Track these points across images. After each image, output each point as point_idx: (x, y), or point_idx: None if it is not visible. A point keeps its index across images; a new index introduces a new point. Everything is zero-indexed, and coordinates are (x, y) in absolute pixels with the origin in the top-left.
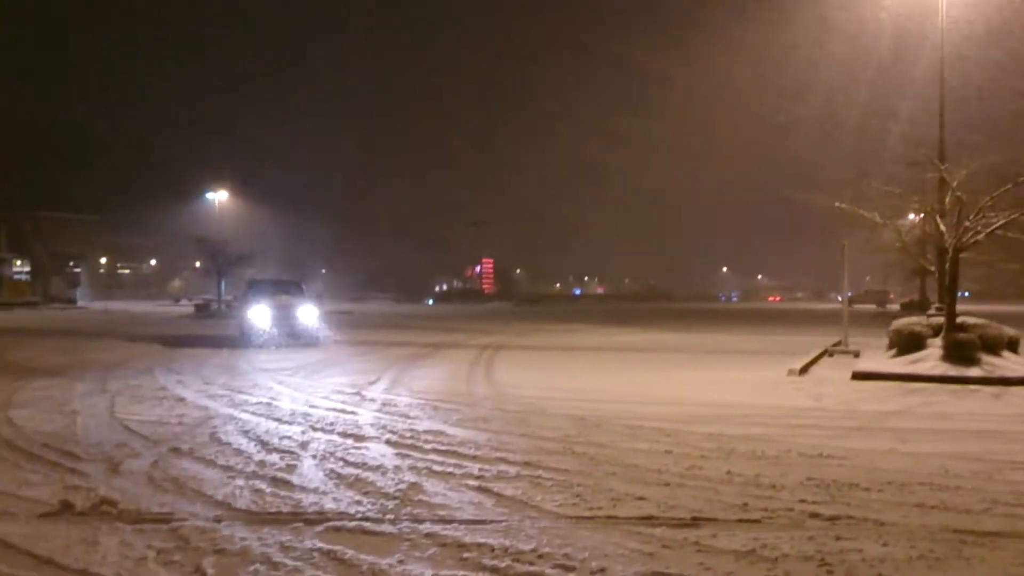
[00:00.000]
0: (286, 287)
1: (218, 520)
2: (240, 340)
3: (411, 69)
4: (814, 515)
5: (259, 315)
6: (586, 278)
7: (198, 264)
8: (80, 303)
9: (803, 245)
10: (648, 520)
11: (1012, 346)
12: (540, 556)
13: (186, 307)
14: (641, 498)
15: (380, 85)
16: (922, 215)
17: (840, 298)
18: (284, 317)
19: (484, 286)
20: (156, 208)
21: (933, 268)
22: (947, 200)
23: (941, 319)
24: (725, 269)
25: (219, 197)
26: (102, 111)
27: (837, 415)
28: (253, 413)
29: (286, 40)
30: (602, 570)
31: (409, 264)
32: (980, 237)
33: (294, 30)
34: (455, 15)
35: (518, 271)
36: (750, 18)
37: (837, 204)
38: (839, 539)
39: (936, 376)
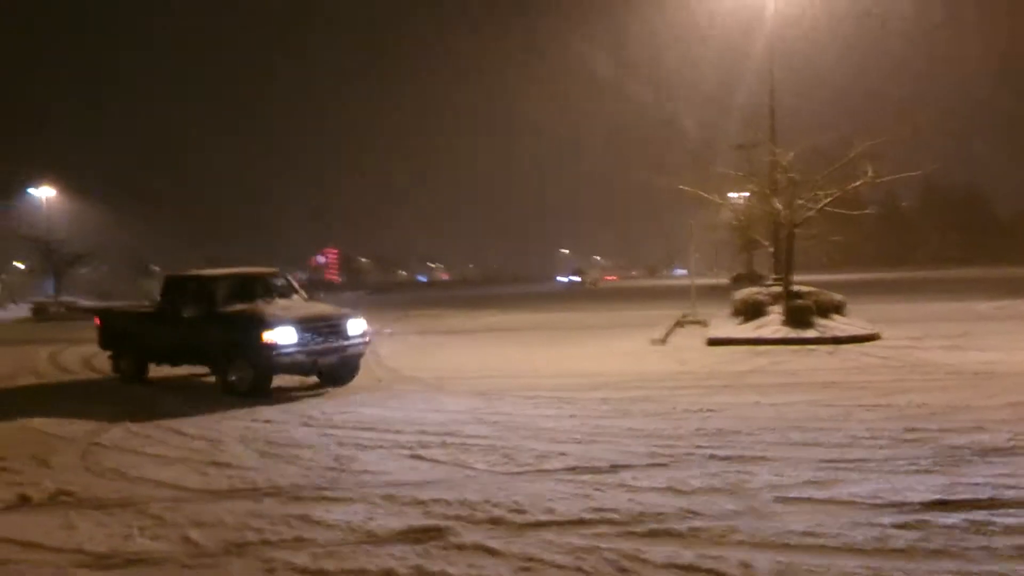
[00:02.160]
0: (272, 285)
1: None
2: (230, 383)
3: (237, 49)
4: (712, 456)
5: (284, 337)
6: (430, 264)
7: (20, 265)
8: None
9: (637, 225)
10: (573, 470)
11: (839, 310)
12: (494, 504)
13: (16, 311)
14: (562, 454)
15: (210, 69)
16: (748, 195)
17: (681, 272)
18: (329, 338)
19: (330, 276)
20: None
21: (766, 243)
22: (779, 180)
23: (779, 288)
24: (566, 251)
25: (45, 194)
26: None
27: (703, 376)
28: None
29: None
30: (551, 511)
31: (246, 257)
32: (812, 213)
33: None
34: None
35: (364, 260)
36: (600, 7)
37: (681, 187)
38: (739, 473)
39: (779, 339)
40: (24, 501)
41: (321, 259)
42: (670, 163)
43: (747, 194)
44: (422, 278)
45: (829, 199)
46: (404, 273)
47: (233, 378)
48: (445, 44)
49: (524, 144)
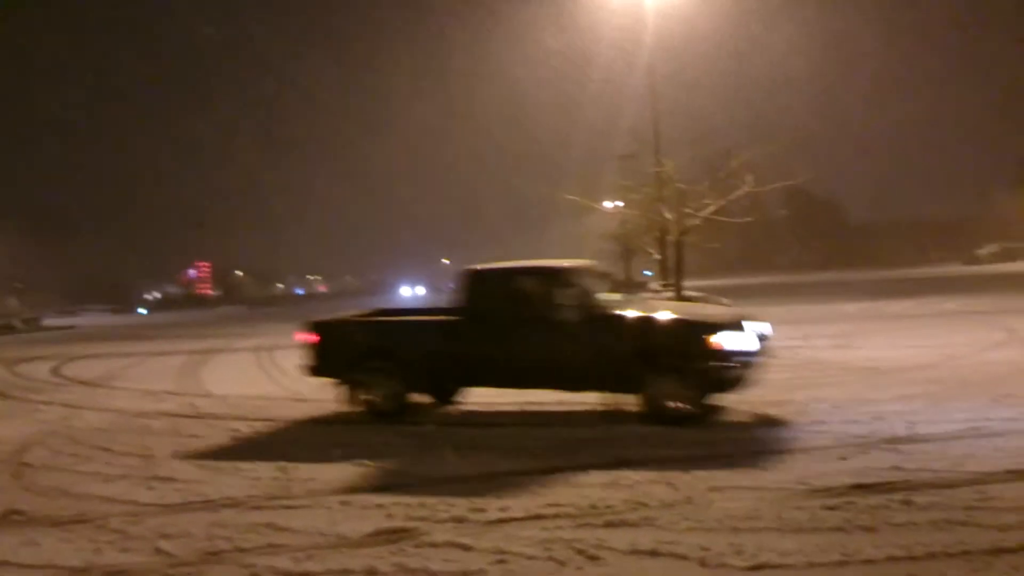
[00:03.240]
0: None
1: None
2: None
3: (112, 56)
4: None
5: (735, 342)
6: (309, 277)
7: None
8: None
9: (520, 236)
10: (518, 473)
11: None
12: (451, 505)
13: None
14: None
15: (79, 75)
16: (626, 204)
17: None
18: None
19: (202, 290)
20: None
21: (652, 251)
22: (665, 190)
23: (670, 293)
24: (446, 260)
25: None
26: None
27: None
28: None
29: None
30: (507, 508)
31: (113, 272)
32: (698, 222)
33: None
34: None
35: (238, 273)
36: (495, 19)
37: (568, 196)
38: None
39: None
40: None
41: (192, 272)
42: (555, 174)
43: (621, 203)
44: (299, 291)
45: (714, 208)
46: (281, 286)
47: (668, 402)
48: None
49: (409, 154)
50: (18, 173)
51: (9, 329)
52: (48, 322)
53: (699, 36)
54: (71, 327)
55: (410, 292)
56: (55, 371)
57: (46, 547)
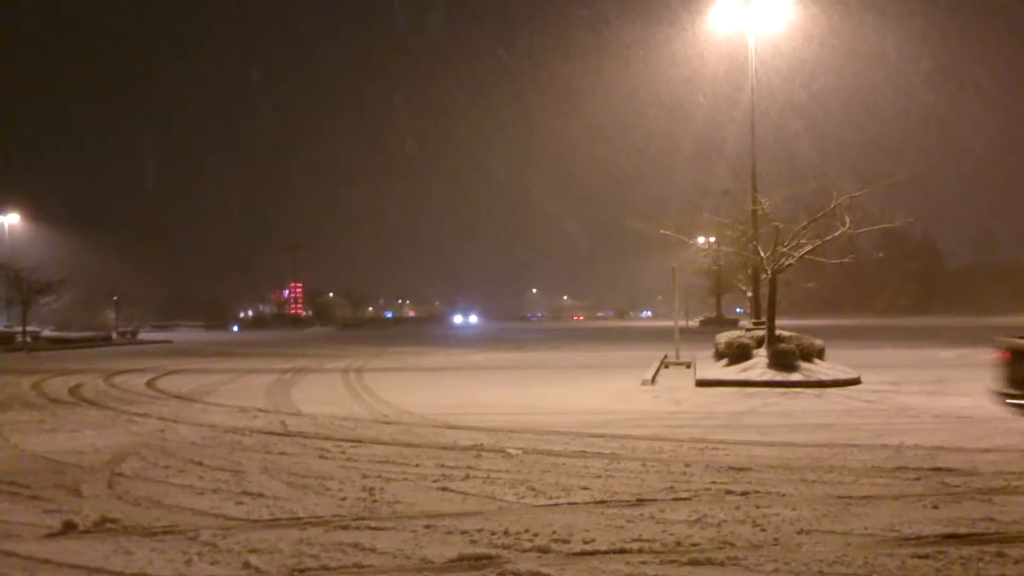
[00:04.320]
0: None
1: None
2: None
3: (224, 83)
4: (729, 492)
5: None
6: (400, 301)
7: None
8: None
9: (603, 269)
10: (602, 503)
11: (820, 354)
12: (535, 534)
13: None
14: (585, 488)
15: (189, 102)
16: (718, 240)
17: (646, 315)
18: None
19: (294, 310)
20: None
21: (744, 287)
22: (761, 229)
23: (761, 332)
24: (535, 290)
25: (9, 220)
26: None
27: (699, 416)
28: None
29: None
30: (592, 540)
31: (208, 289)
32: (792, 261)
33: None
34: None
35: (330, 295)
36: (584, 65)
37: (663, 231)
38: (758, 507)
39: (766, 381)
40: (70, 527)
41: (286, 293)
42: (648, 208)
43: (712, 239)
44: (388, 314)
45: (809, 247)
46: (372, 309)
47: None
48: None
49: (501, 184)
50: (124, 189)
51: (107, 341)
52: (144, 335)
53: (804, 73)
54: (167, 341)
55: (461, 320)
56: (151, 384)
57: (139, 556)
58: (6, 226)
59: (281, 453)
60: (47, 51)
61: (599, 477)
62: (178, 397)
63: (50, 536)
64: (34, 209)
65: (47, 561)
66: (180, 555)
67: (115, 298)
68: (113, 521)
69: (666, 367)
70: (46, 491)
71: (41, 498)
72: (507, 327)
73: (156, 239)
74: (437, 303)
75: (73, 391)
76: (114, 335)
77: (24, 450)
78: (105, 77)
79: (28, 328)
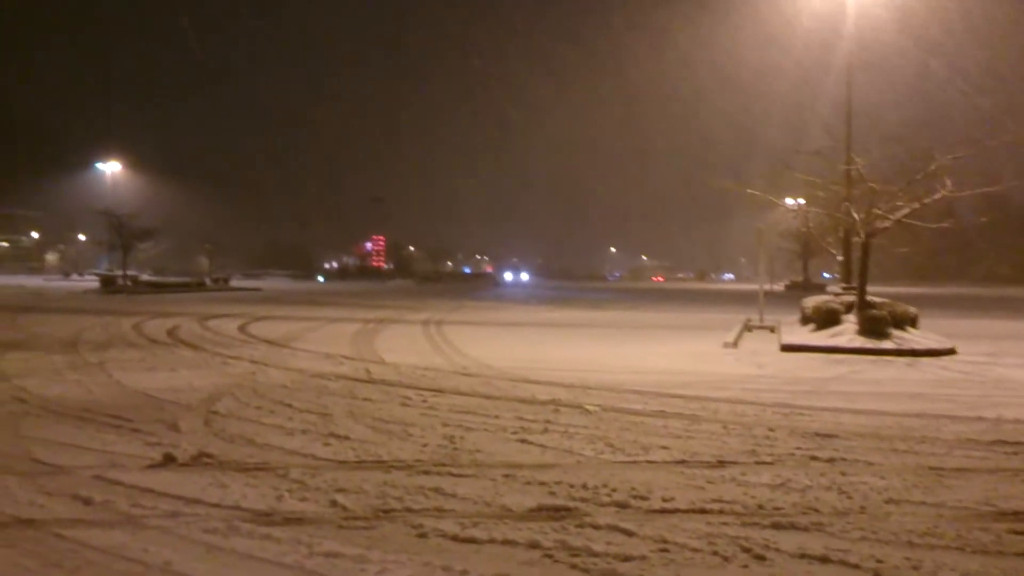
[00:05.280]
0: None
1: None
2: None
3: (315, 38)
4: (814, 458)
5: None
6: (477, 257)
7: (82, 237)
8: None
9: (685, 227)
10: (682, 463)
11: (913, 322)
12: (612, 489)
13: (81, 282)
14: (664, 447)
15: (280, 55)
16: (807, 201)
17: (729, 277)
18: None
19: (376, 263)
20: (39, 180)
21: (835, 251)
22: (854, 190)
23: (851, 298)
24: (613, 249)
25: (111, 168)
26: None
27: (784, 381)
28: None
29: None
30: (671, 499)
31: (296, 239)
32: (888, 224)
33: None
34: None
35: (412, 248)
36: (683, 15)
37: (750, 191)
38: (844, 475)
39: (855, 348)
40: (170, 460)
41: (369, 245)
42: (736, 168)
43: (802, 200)
44: (467, 269)
45: (907, 211)
46: (450, 264)
47: None
48: (516, 47)
49: (581, 142)
50: (219, 141)
51: (200, 287)
52: (235, 283)
53: (905, 27)
54: (257, 289)
55: (511, 277)
56: (242, 329)
57: (233, 489)
58: (109, 174)
59: (365, 399)
60: (145, 7)
61: (679, 437)
62: (268, 342)
63: (151, 467)
64: (135, 158)
65: (149, 490)
66: (271, 491)
67: (208, 246)
68: (209, 456)
69: (749, 330)
70: (147, 425)
71: (143, 432)
72: (585, 286)
73: (248, 190)
74: (515, 260)
75: (170, 332)
76: (207, 281)
77: (126, 386)
78: (205, 31)
79: (128, 272)
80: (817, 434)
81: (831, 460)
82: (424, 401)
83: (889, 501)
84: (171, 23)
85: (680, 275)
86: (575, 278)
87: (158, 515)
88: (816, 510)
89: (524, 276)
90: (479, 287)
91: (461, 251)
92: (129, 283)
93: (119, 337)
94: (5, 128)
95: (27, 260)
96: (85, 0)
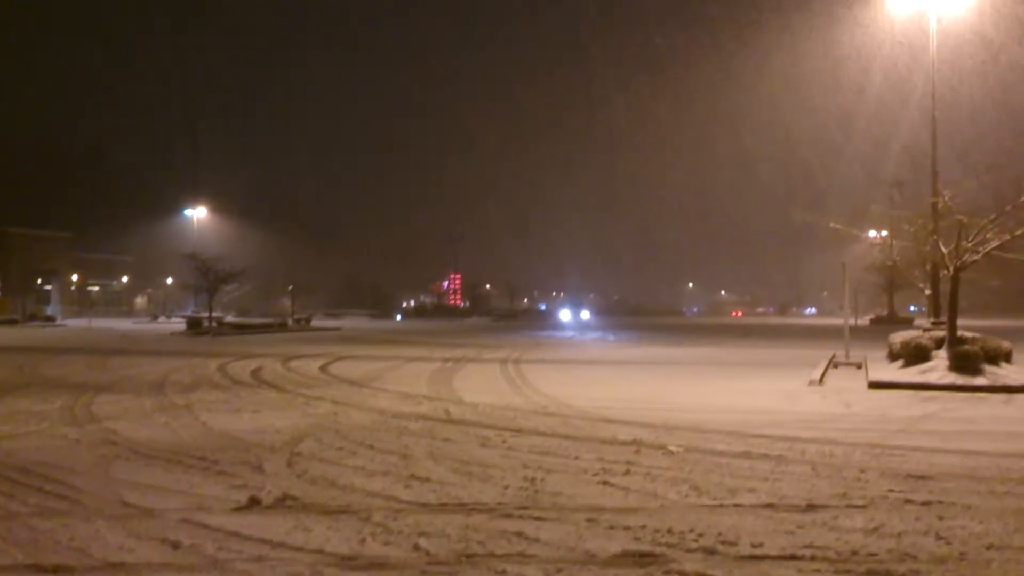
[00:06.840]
0: None
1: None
2: None
3: (387, 79)
4: (908, 501)
5: None
6: (554, 293)
7: (170, 280)
8: (59, 321)
9: (762, 264)
10: (770, 506)
11: (1007, 357)
12: (699, 534)
13: (168, 324)
14: (751, 490)
15: (354, 95)
16: (882, 234)
17: (811, 312)
18: None
19: (453, 301)
20: (128, 225)
21: (922, 285)
22: (941, 223)
23: (940, 333)
24: (691, 284)
25: (197, 213)
26: (69, 126)
27: (873, 419)
28: None
29: (256, 52)
30: (760, 544)
31: (374, 279)
32: (977, 257)
33: (267, 41)
34: (445, 18)
35: (487, 286)
36: (755, 44)
37: (832, 225)
38: (941, 519)
39: (947, 385)
40: (255, 503)
41: (445, 284)
42: (814, 201)
43: (885, 233)
44: (542, 306)
45: (997, 243)
46: (527, 301)
47: None
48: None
49: (657, 180)
50: (299, 184)
51: (283, 327)
52: (317, 323)
53: (990, 51)
54: (337, 328)
55: (568, 316)
56: (323, 369)
57: (316, 533)
58: (195, 219)
59: (445, 439)
60: (227, 58)
61: (766, 479)
62: (349, 382)
63: (237, 510)
64: (219, 203)
65: (235, 533)
66: (355, 534)
67: (291, 287)
68: (293, 498)
69: (835, 367)
70: (232, 467)
71: (228, 474)
72: (661, 323)
73: (328, 231)
74: (592, 295)
75: (254, 373)
76: (290, 322)
77: (212, 428)
78: (280, 78)
79: (213, 314)
80: (910, 475)
81: (927, 503)
82: (504, 442)
83: (990, 547)
84: (255, 70)
85: (760, 310)
86: (648, 313)
87: (244, 559)
88: (913, 556)
89: (585, 314)
90: (549, 325)
91: (537, 288)
92: (214, 325)
93: (205, 379)
94: (101, 178)
95: (117, 304)
96: (176, 59)
